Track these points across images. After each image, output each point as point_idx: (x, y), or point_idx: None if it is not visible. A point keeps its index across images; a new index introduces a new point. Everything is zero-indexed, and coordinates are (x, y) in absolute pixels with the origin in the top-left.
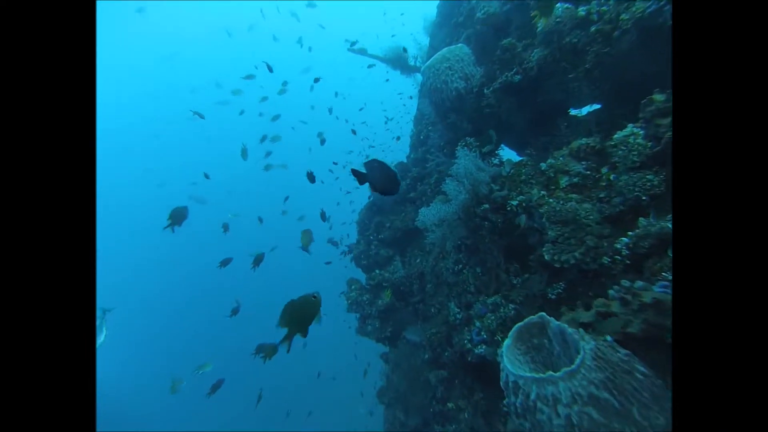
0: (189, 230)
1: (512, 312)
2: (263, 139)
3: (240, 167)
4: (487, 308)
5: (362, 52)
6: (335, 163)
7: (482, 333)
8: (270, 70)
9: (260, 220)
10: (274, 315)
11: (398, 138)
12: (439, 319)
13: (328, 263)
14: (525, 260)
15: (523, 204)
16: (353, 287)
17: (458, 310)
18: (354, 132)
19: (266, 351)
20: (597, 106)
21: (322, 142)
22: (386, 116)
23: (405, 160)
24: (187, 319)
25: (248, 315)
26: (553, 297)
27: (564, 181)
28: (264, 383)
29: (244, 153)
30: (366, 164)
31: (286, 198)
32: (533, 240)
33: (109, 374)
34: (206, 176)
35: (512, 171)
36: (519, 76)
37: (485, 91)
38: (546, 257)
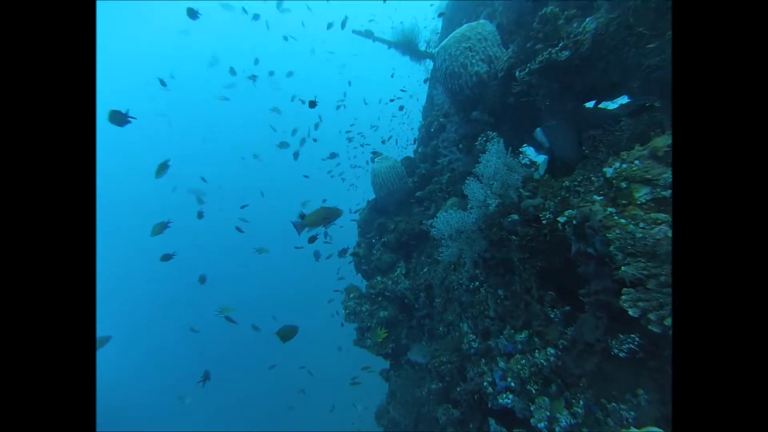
0: (187, 227)
1: (552, 360)
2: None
3: (237, 162)
4: (514, 346)
5: (368, 35)
6: (315, 140)
7: (508, 378)
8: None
9: (203, 179)
10: (271, 313)
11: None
12: (449, 342)
13: (316, 260)
14: (566, 289)
15: (573, 221)
16: (351, 295)
17: (474, 336)
18: (313, 104)
19: (283, 333)
20: (626, 99)
21: (294, 147)
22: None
23: (412, 155)
24: (183, 315)
25: (245, 312)
26: (623, 355)
27: (642, 194)
28: (263, 382)
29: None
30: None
31: (261, 194)
32: (587, 269)
33: (107, 372)
34: (166, 165)
35: (548, 174)
36: (567, 52)
37: (517, 74)
38: (630, 311)
